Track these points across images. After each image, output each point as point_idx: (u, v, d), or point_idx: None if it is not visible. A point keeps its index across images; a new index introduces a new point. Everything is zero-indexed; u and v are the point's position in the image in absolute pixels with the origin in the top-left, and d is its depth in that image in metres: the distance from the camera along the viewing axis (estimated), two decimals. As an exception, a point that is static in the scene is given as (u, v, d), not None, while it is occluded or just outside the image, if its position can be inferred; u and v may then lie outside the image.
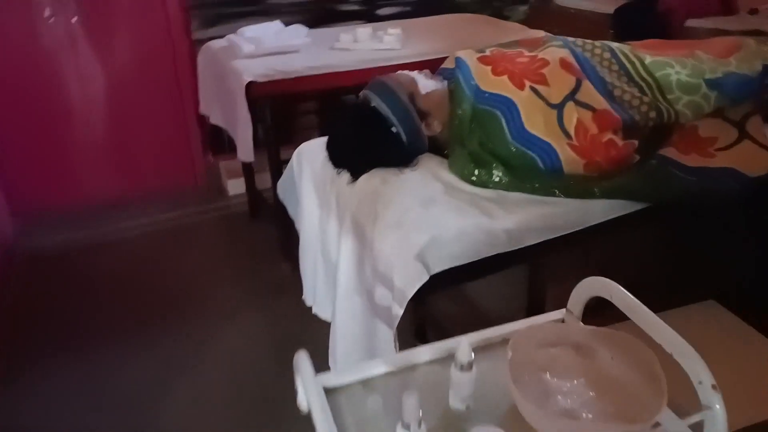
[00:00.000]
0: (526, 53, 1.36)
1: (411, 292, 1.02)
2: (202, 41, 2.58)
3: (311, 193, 1.43)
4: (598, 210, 1.21)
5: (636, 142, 1.26)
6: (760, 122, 1.39)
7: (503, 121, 1.24)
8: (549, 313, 0.92)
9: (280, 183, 1.60)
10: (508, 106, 1.24)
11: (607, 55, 1.37)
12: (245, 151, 2.07)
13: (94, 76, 2.69)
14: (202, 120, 2.71)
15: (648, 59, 1.36)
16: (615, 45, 1.43)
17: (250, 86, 1.98)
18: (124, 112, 2.82)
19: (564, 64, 1.30)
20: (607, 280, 0.81)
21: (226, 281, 2.31)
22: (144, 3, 2.66)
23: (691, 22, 2.48)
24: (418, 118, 1.27)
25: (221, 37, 2.37)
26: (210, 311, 2.14)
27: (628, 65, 1.35)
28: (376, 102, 1.24)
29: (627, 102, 1.29)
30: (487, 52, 1.37)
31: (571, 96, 1.26)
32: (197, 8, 2.73)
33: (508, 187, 1.19)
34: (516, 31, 2.54)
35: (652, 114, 1.28)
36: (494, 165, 1.20)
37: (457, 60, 1.36)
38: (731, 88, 1.33)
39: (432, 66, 1.53)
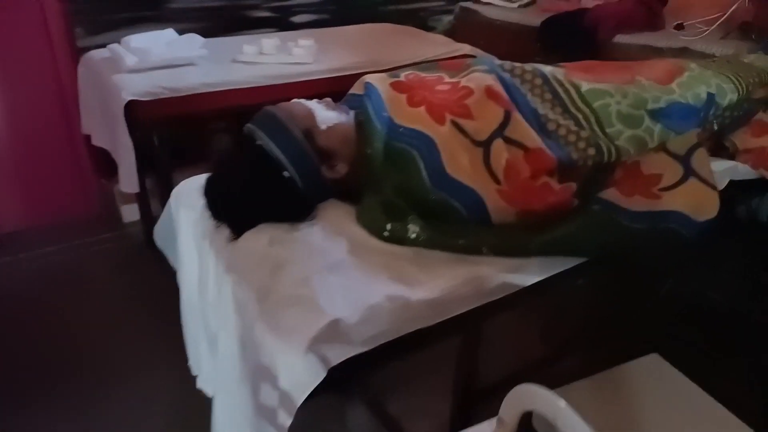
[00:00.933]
0: (447, 79, 1.15)
1: (301, 397, 0.78)
2: (90, 50, 2.24)
3: (190, 247, 1.16)
4: (535, 267, 1.01)
5: (574, 185, 1.08)
6: (706, 156, 1.24)
7: (420, 163, 1.02)
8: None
9: (156, 228, 1.32)
10: (427, 144, 1.03)
11: (538, 81, 1.18)
12: (127, 180, 1.78)
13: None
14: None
15: (584, 86, 1.18)
16: (548, 69, 1.24)
17: (132, 106, 1.69)
18: (2, 134, 2.43)
19: (490, 92, 1.10)
20: (542, 390, 0.61)
21: (123, 328, 1.97)
22: (16, 6, 2.28)
23: (619, 38, 2.38)
24: (317, 159, 1.03)
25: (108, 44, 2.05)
26: (100, 368, 1.79)
27: (563, 94, 1.17)
28: (263, 140, 1.00)
29: (563, 137, 1.11)
30: (402, 77, 1.16)
31: (500, 132, 1.06)
32: (81, 13, 2.38)
33: (426, 245, 0.98)
34: (440, 43, 2.37)
35: (591, 151, 1.11)
36: (410, 217, 0.98)
37: (367, 86, 1.13)
38: (675, 119, 1.18)
39: (347, 83, 1.31)
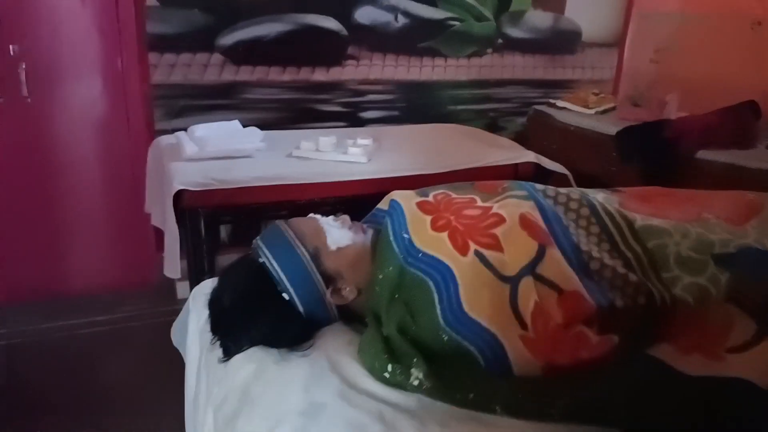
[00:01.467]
0: (479, 202, 1.05)
1: None
2: (167, 132, 2.35)
3: (194, 354, 1.10)
4: (558, 435, 0.86)
5: (616, 338, 0.92)
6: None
7: (435, 295, 0.91)
8: None
9: (174, 325, 1.27)
10: (444, 275, 0.92)
11: (585, 211, 1.06)
12: (170, 265, 1.77)
13: (45, 162, 2.46)
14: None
15: (639, 222, 1.04)
16: (600, 197, 1.11)
17: (181, 195, 1.71)
18: (75, 203, 2.57)
19: (525, 222, 0.99)
20: None
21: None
22: (103, 90, 2.46)
23: (703, 154, 2.21)
24: (323, 283, 0.95)
25: (183, 129, 2.14)
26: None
27: (613, 228, 1.03)
28: (266, 258, 0.93)
29: (607, 280, 0.96)
30: (430, 196, 1.07)
31: (531, 268, 0.93)
32: (162, 98, 2.52)
33: (431, 394, 0.85)
34: (506, 148, 2.28)
35: (641, 299, 0.95)
36: (415, 360, 0.86)
37: (392, 203, 1.06)
38: (748, 267, 1.00)
39: (401, 185, 1.25)
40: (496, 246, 0.95)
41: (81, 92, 2.44)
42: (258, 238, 0.98)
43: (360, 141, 2.06)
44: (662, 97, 2.75)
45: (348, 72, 2.77)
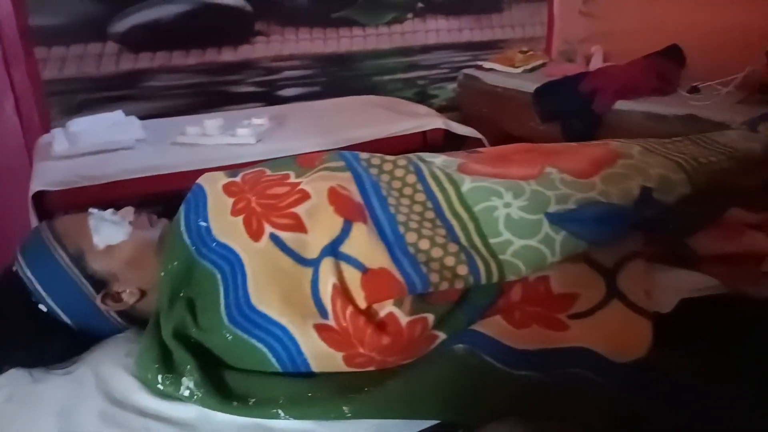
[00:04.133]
0: (292, 179, 0.93)
1: None
2: (66, 130, 2.21)
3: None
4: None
5: (431, 317, 0.82)
6: (642, 270, 0.95)
7: (222, 289, 0.80)
8: None
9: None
10: (233, 266, 0.81)
11: (411, 178, 0.94)
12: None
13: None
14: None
15: (467, 184, 0.93)
16: (439, 161, 1.00)
17: (43, 197, 1.58)
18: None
19: (333, 196, 0.87)
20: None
21: None
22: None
23: (621, 105, 2.10)
24: (90, 287, 0.83)
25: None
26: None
27: (439, 194, 0.92)
28: (19, 265, 0.82)
29: (424, 252, 0.85)
30: (238, 177, 0.95)
31: (332, 247, 0.82)
32: (56, 95, 2.37)
33: (204, 404, 0.74)
34: (419, 116, 2.16)
35: (462, 270, 0.84)
36: (188, 367, 0.76)
37: (194, 188, 0.94)
38: (589, 223, 0.90)
39: None
40: (297, 226, 0.85)
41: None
42: (19, 244, 0.87)
43: (255, 121, 1.93)
44: (589, 51, 2.64)
45: (259, 49, 2.63)
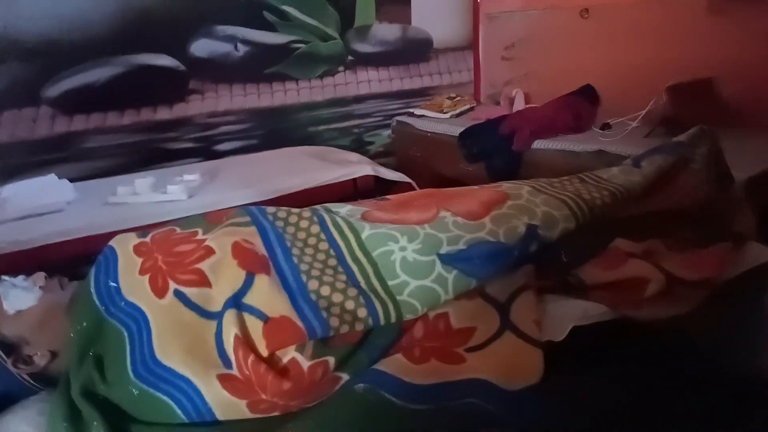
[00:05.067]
0: (199, 235, 0.99)
1: None
2: None
3: None
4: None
5: (332, 360, 0.87)
6: (532, 301, 1.02)
7: (128, 346, 0.84)
8: None
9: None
10: (139, 323, 0.85)
11: (315, 228, 1.01)
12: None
13: None
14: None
15: (366, 232, 1.00)
16: (344, 211, 1.07)
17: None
18: None
19: (237, 251, 0.93)
20: None
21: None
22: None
23: (539, 143, 2.23)
24: (1, 352, 0.86)
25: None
26: None
27: (341, 242, 0.99)
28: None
29: (325, 298, 0.91)
30: (148, 237, 1.00)
31: (235, 299, 0.87)
32: (-7, 157, 2.37)
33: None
34: (351, 163, 2.24)
35: (361, 312, 0.91)
36: (95, 424, 0.79)
37: (105, 250, 0.98)
38: (478, 262, 0.97)
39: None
40: (201, 282, 0.89)
41: None
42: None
43: (186, 177, 1.98)
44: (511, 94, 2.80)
45: (194, 107, 2.69)
